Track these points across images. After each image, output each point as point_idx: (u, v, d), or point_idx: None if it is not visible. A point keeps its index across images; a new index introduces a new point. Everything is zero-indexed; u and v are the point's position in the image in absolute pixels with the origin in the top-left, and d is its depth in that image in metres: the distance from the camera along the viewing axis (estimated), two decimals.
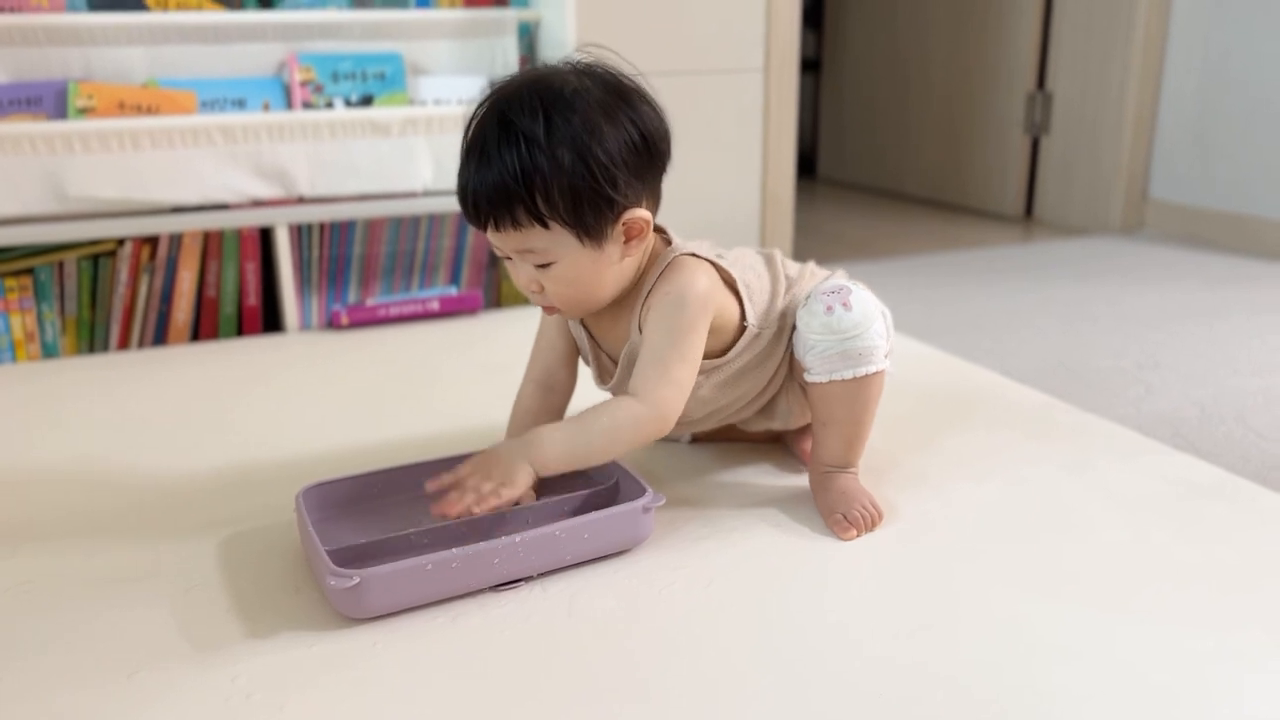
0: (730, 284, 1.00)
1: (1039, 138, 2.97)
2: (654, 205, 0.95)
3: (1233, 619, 0.82)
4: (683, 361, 0.94)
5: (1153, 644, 0.79)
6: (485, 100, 0.90)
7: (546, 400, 1.07)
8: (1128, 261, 2.41)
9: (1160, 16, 2.60)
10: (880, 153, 3.60)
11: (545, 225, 0.88)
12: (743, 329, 1.00)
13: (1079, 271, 2.32)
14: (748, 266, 1.05)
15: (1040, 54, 2.92)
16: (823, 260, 2.43)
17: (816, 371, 1.00)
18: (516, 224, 0.88)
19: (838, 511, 0.98)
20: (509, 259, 0.94)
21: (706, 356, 0.98)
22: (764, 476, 1.11)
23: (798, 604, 0.86)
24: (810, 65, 3.83)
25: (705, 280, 0.96)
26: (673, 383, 0.94)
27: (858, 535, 0.97)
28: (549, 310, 0.98)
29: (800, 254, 2.49)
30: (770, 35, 2.24)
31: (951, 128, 3.25)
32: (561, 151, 0.86)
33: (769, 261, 1.07)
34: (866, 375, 0.99)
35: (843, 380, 0.99)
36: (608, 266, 0.93)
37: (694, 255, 0.98)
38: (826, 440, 1.03)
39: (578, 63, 0.93)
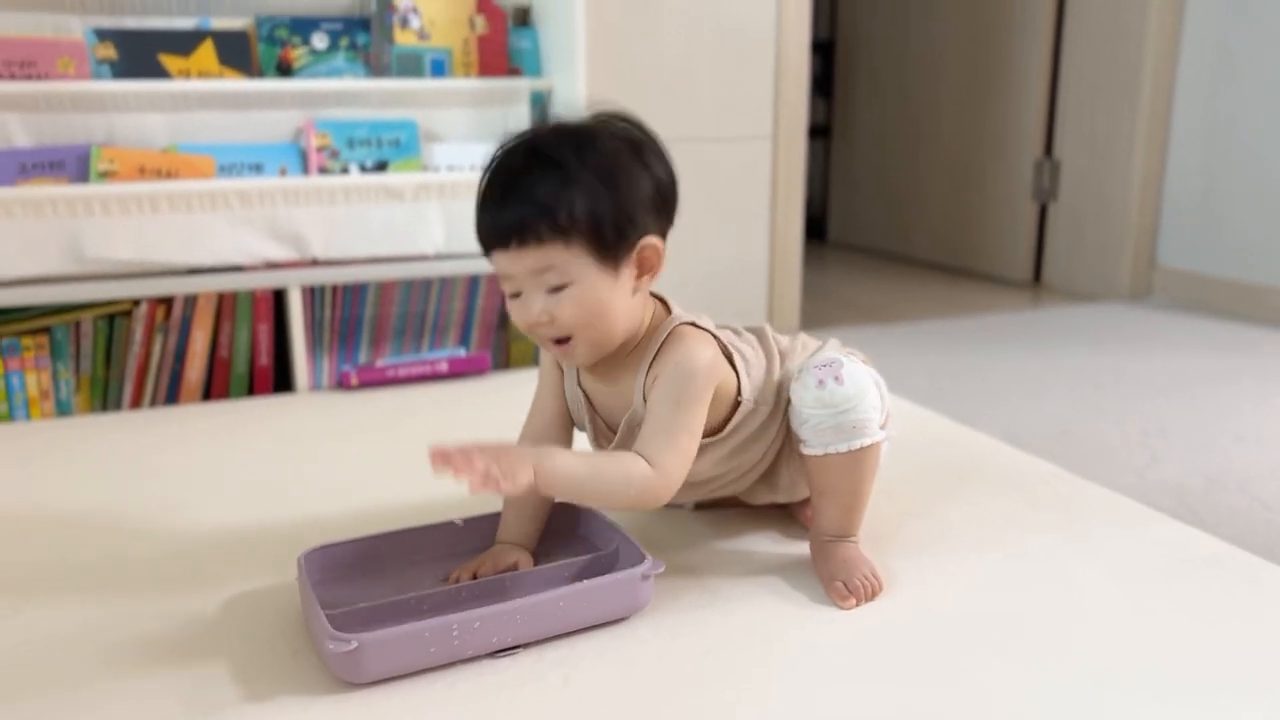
0: (728, 357, 1.01)
1: (1047, 204, 2.99)
2: (664, 245, 0.98)
3: (1230, 694, 0.82)
4: (688, 433, 0.95)
5: (1150, 717, 0.79)
6: (511, 139, 0.94)
7: None
8: (1135, 328, 2.41)
9: (1165, 85, 2.64)
10: (890, 217, 3.64)
11: (566, 241, 0.90)
12: (738, 403, 1.01)
13: (1086, 338, 2.33)
14: (743, 341, 1.06)
15: (1047, 122, 2.96)
16: (830, 324, 2.46)
17: (812, 444, 1.01)
18: (538, 239, 0.89)
19: (838, 580, 0.98)
20: (515, 296, 0.94)
21: (704, 432, 0.98)
22: (766, 544, 1.11)
23: (795, 673, 0.86)
24: (821, 131, 3.89)
25: (710, 351, 0.97)
26: (679, 452, 0.94)
27: (857, 604, 0.96)
28: (560, 346, 0.95)
29: (808, 318, 2.51)
30: (779, 103, 2.28)
31: (960, 193, 3.29)
32: (587, 175, 0.90)
33: (760, 337, 1.08)
34: (862, 448, 0.99)
35: (838, 453, 0.99)
36: (621, 296, 0.94)
37: (695, 325, 0.99)
38: (825, 510, 1.03)
39: (600, 115, 0.97)
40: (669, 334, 0.97)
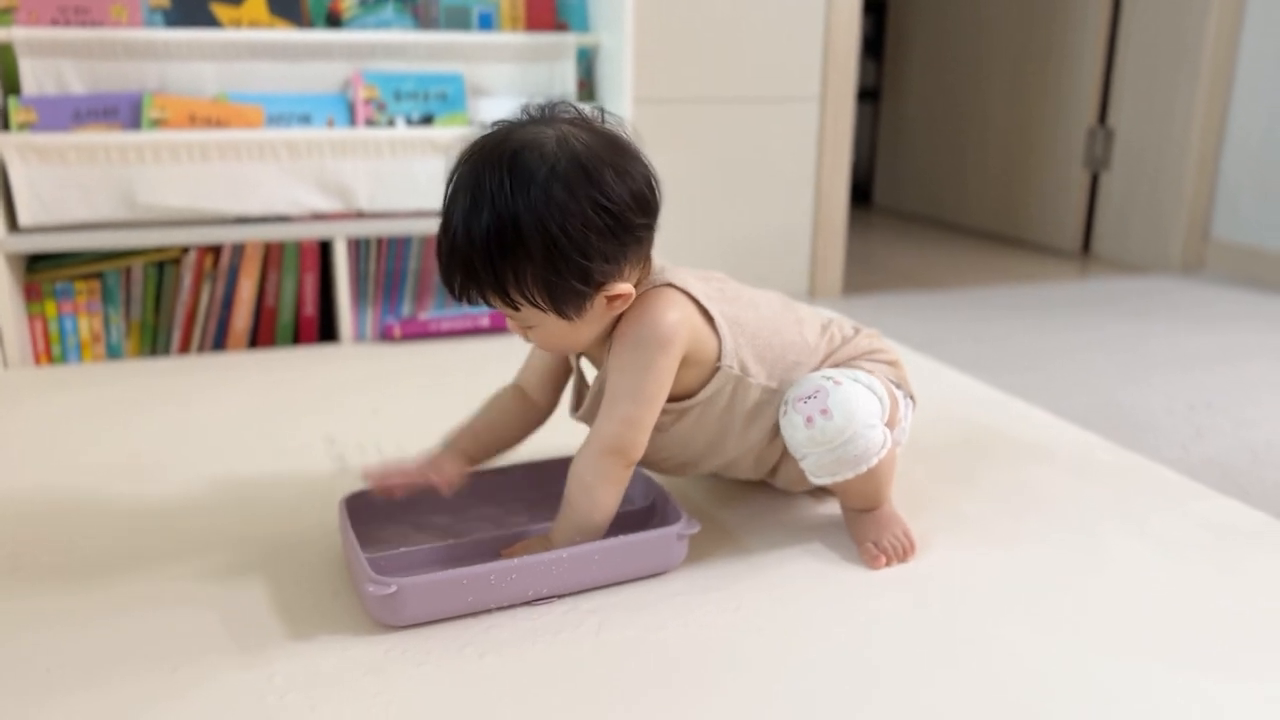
0: (711, 319, 0.95)
1: (1099, 173, 2.94)
2: (641, 264, 0.92)
3: (1268, 670, 0.81)
4: (633, 399, 0.91)
5: (1186, 692, 0.78)
6: (463, 166, 0.87)
7: (520, 406, 1.07)
8: (1186, 301, 2.37)
9: (1227, 56, 2.57)
10: (937, 183, 3.59)
11: (517, 308, 0.88)
12: (717, 368, 0.96)
13: (1135, 309, 2.29)
14: (751, 309, 1.00)
15: (1103, 89, 2.90)
16: (874, 290, 2.44)
17: (819, 475, 0.97)
18: (489, 304, 0.89)
19: (869, 539, 0.99)
20: None
21: (680, 396, 0.96)
22: (801, 505, 1.11)
23: (824, 631, 0.86)
24: (870, 94, 3.83)
25: (674, 314, 0.92)
26: (621, 420, 0.91)
27: (888, 564, 0.97)
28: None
29: (851, 283, 2.49)
30: (828, 64, 2.25)
31: (1010, 161, 3.23)
32: (535, 244, 0.84)
33: (786, 308, 1.03)
34: (870, 469, 0.96)
35: (847, 479, 0.96)
36: (588, 326, 0.91)
37: (671, 285, 0.94)
38: (848, 499, 1.02)
39: (571, 121, 0.88)
40: (641, 295, 0.93)
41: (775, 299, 1.04)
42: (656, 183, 0.91)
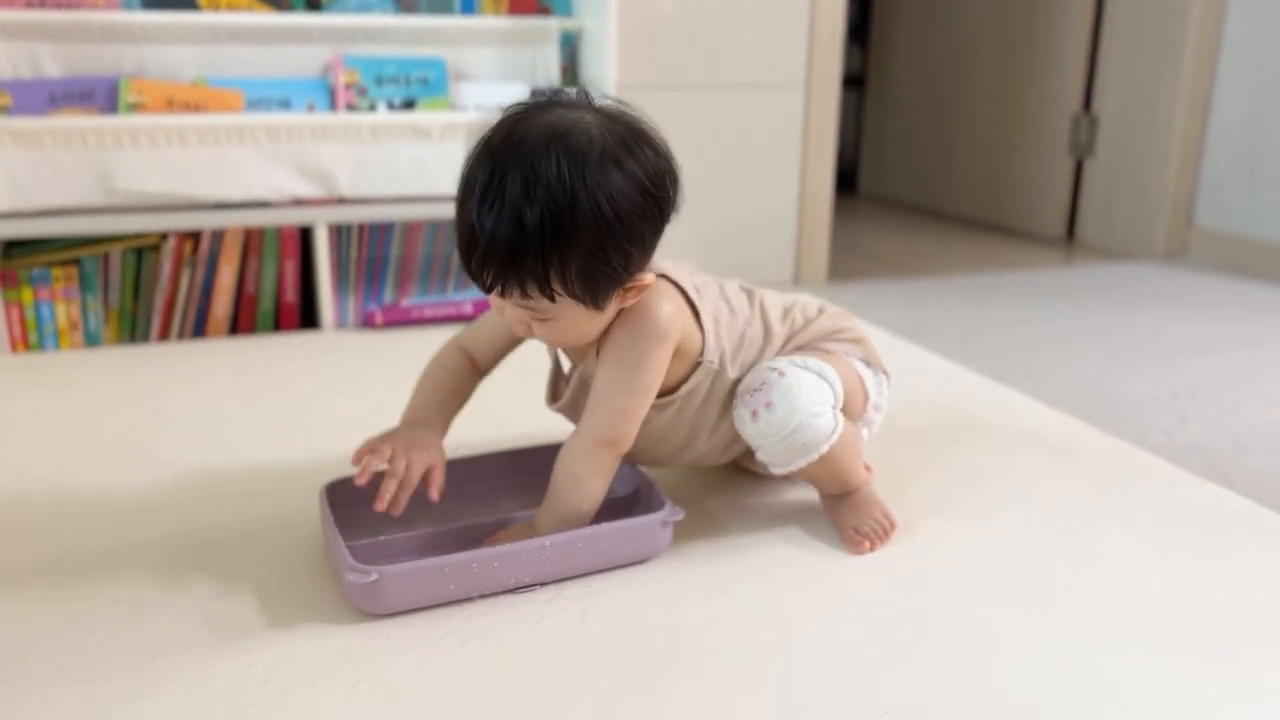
0: (696, 312, 0.95)
1: (1083, 160, 2.94)
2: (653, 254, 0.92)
3: (1252, 656, 0.81)
4: (627, 391, 0.91)
5: (1168, 677, 0.78)
6: (498, 151, 0.83)
7: (469, 368, 1.04)
8: (1169, 288, 2.37)
9: (1211, 42, 2.57)
10: (922, 170, 3.58)
11: (553, 299, 0.84)
12: (699, 363, 0.96)
13: (1119, 296, 2.29)
14: (723, 298, 1.00)
15: (1087, 75, 2.90)
16: (859, 278, 2.43)
17: (775, 466, 0.97)
18: (525, 295, 0.85)
19: (849, 525, 0.98)
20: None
21: (662, 390, 0.94)
22: (785, 492, 1.11)
23: (810, 619, 0.86)
24: (855, 81, 3.82)
25: (669, 306, 0.91)
26: (615, 411, 0.91)
27: (871, 548, 0.97)
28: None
29: (836, 271, 2.48)
30: (813, 50, 2.24)
31: (995, 147, 3.23)
32: (587, 230, 0.81)
33: (751, 298, 1.03)
34: (822, 455, 0.96)
35: (801, 466, 0.97)
36: (604, 318, 0.90)
37: (664, 277, 0.94)
38: (819, 485, 1.02)
39: (594, 106, 0.86)
40: None
41: (738, 288, 1.04)
42: (677, 163, 0.89)
